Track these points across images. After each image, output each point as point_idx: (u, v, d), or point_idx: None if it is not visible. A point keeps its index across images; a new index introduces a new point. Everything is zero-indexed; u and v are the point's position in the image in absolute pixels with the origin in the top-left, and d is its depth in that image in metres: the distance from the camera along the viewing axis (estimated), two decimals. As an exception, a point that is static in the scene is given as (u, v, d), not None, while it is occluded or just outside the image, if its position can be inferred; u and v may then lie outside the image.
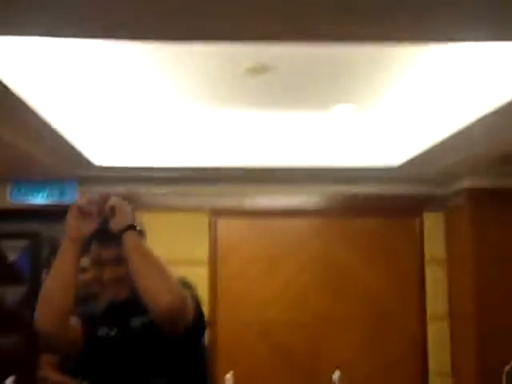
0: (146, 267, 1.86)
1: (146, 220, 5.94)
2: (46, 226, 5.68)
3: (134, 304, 1.93)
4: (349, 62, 3.31)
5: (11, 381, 3.62)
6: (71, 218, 1.89)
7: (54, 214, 5.55)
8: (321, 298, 5.46)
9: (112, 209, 1.90)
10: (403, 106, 4.01)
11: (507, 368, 4.46)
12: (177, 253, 5.41)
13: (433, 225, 5.59)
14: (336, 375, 3.68)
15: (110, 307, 2.04)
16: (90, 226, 1.89)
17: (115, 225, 1.89)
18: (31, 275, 5.62)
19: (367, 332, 5.43)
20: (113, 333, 1.98)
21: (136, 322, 1.97)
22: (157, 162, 4.92)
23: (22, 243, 5.69)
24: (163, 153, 4.84)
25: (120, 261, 1.94)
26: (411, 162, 4.78)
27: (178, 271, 5.93)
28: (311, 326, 5.40)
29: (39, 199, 5.32)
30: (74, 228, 1.88)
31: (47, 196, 5.31)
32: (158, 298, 1.80)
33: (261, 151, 4.88)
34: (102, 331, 1.98)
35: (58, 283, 1.87)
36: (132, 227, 1.89)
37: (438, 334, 5.47)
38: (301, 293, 5.45)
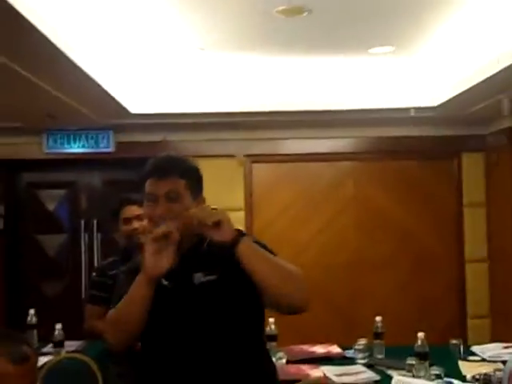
0: (272, 272, 1.85)
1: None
2: (83, 174, 5.74)
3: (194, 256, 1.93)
4: (386, 2, 3.19)
5: (60, 328, 3.70)
6: (148, 256, 1.81)
7: (90, 162, 5.63)
8: (359, 241, 5.46)
9: (217, 223, 1.82)
10: (442, 46, 3.89)
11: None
12: (212, 199, 5.41)
13: (472, 166, 5.50)
14: (378, 319, 3.69)
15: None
16: (167, 262, 1.81)
17: (222, 237, 1.82)
18: (70, 224, 5.70)
19: (406, 274, 5.45)
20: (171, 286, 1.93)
21: (200, 278, 1.91)
22: (191, 108, 4.88)
23: (60, 193, 5.75)
24: (197, 99, 4.81)
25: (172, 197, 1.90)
26: (450, 102, 4.67)
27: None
28: (350, 269, 5.43)
29: (75, 148, 5.33)
30: (151, 267, 1.81)
31: (83, 145, 5.32)
32: (293, 300, 1.87)
33: (296, 95, 4.80)
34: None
35: (133, 315, 1.86)
36: (241, 234, 1.85)
37: (476, 276, 5.45)
38: (338, 236, 5.45)
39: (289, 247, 5.43)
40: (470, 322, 5.43)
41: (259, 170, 5.55)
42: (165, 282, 1.91)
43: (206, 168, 5.72)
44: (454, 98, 4.51)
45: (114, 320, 1.94)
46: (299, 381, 2.99)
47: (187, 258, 1.93)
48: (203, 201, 2.04)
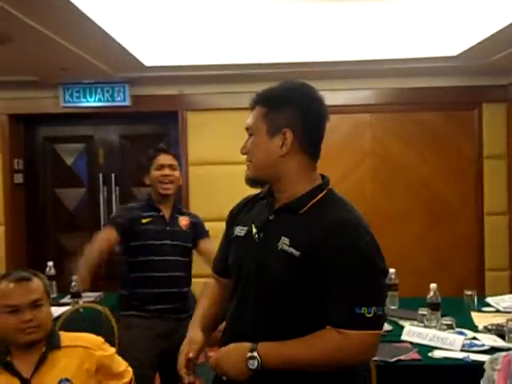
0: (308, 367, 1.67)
1: (196, 120, 5.94)
2: (100, 128, 5.75)
3: None
4: None
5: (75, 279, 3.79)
6: None
7: (107, 116, 5.64)
8: (377, 193, 5.42)
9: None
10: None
11: None
12: (229, 152, 5.42)
13: (493, 117, 5.37)
14: (392, 270, 3.69)
15: None
16: None
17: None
18: (88, 178, 5.74)
19: (423, 227, 5.41)
20: None
21: (284, 245, 1.75)
22: (207, 60, 4.82)
23: (78, 147, 5.77)
24: (213, 51, 4.74)
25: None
26: (470, 52, 4.55)
27: (231, 170, 5.99)
28: (369, 220, 5.38)
29: (91, 102, 5.33)
30: None
31: (99, 99, 5.32)
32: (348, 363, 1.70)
33: (311, 46, 4.71)
34: None
35: None
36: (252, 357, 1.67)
37: (495, 229, 5.40)
38: (357, 188, 5.39)
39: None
40: (487, 275, 5.39)
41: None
42: (256, 233, 1.81)
43: (223, 121, 5.77)
44: (475, 46, 4.39)
45: None
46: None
47: (281, 213, 1.80)
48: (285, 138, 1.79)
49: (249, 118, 1.87)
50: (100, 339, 2.27)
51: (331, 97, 5.33)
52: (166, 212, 3.36)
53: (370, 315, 1.61)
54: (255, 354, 1.66)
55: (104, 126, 5.74)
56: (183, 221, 3.41)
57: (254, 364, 1.65)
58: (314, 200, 1.78)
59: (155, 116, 5.59)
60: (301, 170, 1.79)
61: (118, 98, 5.28)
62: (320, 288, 1.67)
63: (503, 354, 1.92)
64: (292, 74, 5.14)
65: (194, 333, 1.88)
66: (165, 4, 3.88)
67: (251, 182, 1.88)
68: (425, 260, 5.34)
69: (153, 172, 3.35)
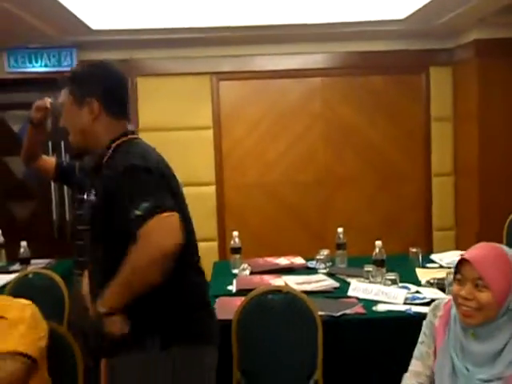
0: (128, 295, 1.90)
1: (147, 86, 5.85)
2: (47, 94, 5.60)
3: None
4: None
5: (25, 245, 3.77)
6: None
7: (54, 81, 5.50)
8: (328, 157, 5.49)
9: None
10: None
11: (508, 220, 4.55)
12: (180, 118, 5.41)
13: (440, 80, 5.48)
14: (340, 230, 3.79)
15: None
16: None
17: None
18: (37, 145, 5.62)
19: (373, 189, 5.51)
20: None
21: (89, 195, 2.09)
22: (156, 23, 4.76)
23: (25, 114, 5.61)
24: (162, 14, 4.66)
25: None
26: (416, 15, 4.60)
27: (182, 136, 5.94)
28: (318, 185, 5.48)
29: (37, 67, 5.21)
30: None
31: (45, 64, 5.20)
32: (153, 276, 1.86)
33: (260, 9, 4.68)
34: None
35: None
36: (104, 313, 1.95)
37: (442, 190, 5.55)
38: (307, 152, 5.47)
39: (258, 164, 5.48)
40: (435, 234, 5.56)
41: (227, 87, 5.49)
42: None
43: (174, 86, 5.72)
44: (421, 9, 4.45)
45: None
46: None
47: (96, 169, 2.09)
48: (90, 104, 2.05)
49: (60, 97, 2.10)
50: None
51: (281, 61, 5.45)
52: None
53: (140, 212, 1.83)
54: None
55: (51, 91, 5.59)
56: None
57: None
58: (109, 151, 2.03)
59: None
60: (109, 130, 2.06)
61: (65, 63, 5.16)
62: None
63: (445, 300, 2.00)
64: (242, 38, 5.14)
65: None
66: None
67: (76, 150, 2.16)
68: (375, 220, 5.46)
69: None
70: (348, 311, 2.80)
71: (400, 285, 3.11)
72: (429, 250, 5.18)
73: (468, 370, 1.85)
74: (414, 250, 3.72)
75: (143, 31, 4.84)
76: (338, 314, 2.76)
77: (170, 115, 5.38)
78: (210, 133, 5.43)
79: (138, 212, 1.82)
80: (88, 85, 2.03)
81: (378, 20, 4.84)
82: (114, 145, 2.03)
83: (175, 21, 4.72)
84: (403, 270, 3.39)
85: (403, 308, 2.81)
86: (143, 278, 1.84)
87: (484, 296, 1.80)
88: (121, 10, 4.54)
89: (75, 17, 4.27)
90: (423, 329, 2.03)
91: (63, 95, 2.08)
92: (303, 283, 3.27)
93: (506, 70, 5.00)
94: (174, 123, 5.38)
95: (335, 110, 5.50)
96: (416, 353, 2.01)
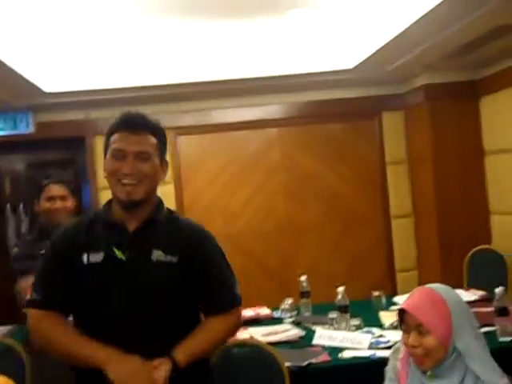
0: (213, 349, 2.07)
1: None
2: (5, 158, 5.60)
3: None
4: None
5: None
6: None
7: (11, 145, 5.49)
8: (289, 206, 5.55)
9: None
10: (354, 7, 3.93)
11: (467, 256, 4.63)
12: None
13: (392, 124, 5.64)
14: (303, 278, 3.81)
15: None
16: None
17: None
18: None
19: (335, 235, 5.57)
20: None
21: (159, 256, 1.95)
22: (111, 83, 4.80)
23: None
24: (117, 73, 4.71)
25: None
26: (364, 64, 4.75)
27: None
28: (281, 233, 5.51)
29: (-7, 132, 5.20)
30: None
31: (1, 128, 5.19)
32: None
33: (214, 64, 4.77)
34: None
35: (63, 352, 1.89)
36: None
37: (402, 231, 5.63)
38: (268, 202, 5.52)
39: (220, 217, 5.49)
40: (398, 276, 5.62)
41: (186, 141, 5.54)
42: (120, 256, 1.88)
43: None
44: (368, 58, 4.60)
45: (43, 341, 1.94)
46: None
47: (144, 230, 1.94)
48: (167, 165, 2.02)
49: (140, 143, 1.91)
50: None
51: (239, 114, 5.53)
52: None
53: (239, 293, 2.05)
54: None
55: (9, 155, 5.59)
56: None
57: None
58: (164, 210, 2.03)
59: (62, 142, 5.50)
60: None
61: (21, 126, 5.17)
62: (197, 286, 1.96)
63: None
64: (200, 93, 5.21)
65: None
66: (62, 30, 3.84)
67: (137, 202, 1.92)
68: (339, 266, 5.49)
69: (43, 203, 3.21)
70: (314, 360, 2.79)
71: (364, 329, 3.13)
72: (393, 291, 5.23)
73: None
74: (377, 293, 3.75)
75: (98, 92, 4.87)
76: (305, 363, 2.75)
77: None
78: (171, 187, 5.44)
79: (237, 292, 2.05)
80: (165, 145, 2.00)
81: (329, 70, 4.97)
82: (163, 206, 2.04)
83: (129, 79, 4.76)
84: (367, 314, 3.42)
85: (368, 353, 2.82)
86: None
87: (429, 341, 1.85)
88: (73, 71, 4.57)
89: (27, 81, 4.28)
90: (388, 373, 2.05)
91: (148, 144, 1.92)
92: (269, 334, 3.26)
93: (455, 112, 5.18)
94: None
95: (294, 159, 5.58)
96: (384, 397, 2.03)
